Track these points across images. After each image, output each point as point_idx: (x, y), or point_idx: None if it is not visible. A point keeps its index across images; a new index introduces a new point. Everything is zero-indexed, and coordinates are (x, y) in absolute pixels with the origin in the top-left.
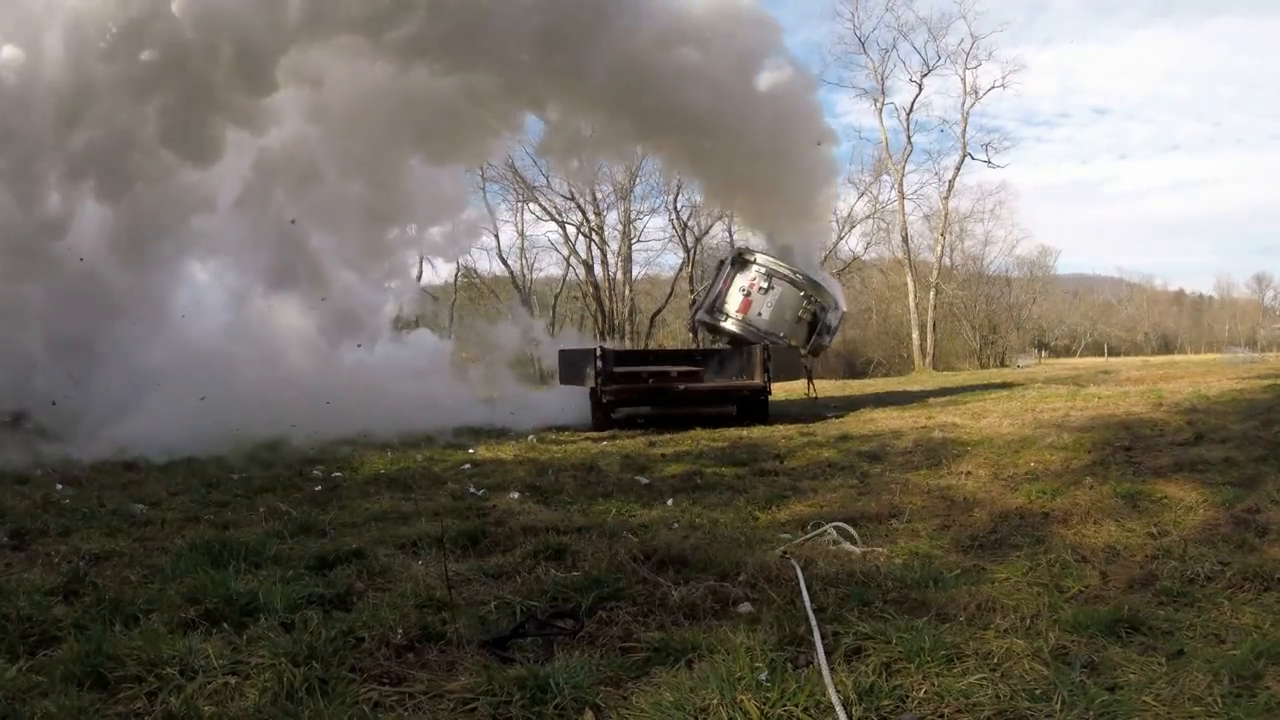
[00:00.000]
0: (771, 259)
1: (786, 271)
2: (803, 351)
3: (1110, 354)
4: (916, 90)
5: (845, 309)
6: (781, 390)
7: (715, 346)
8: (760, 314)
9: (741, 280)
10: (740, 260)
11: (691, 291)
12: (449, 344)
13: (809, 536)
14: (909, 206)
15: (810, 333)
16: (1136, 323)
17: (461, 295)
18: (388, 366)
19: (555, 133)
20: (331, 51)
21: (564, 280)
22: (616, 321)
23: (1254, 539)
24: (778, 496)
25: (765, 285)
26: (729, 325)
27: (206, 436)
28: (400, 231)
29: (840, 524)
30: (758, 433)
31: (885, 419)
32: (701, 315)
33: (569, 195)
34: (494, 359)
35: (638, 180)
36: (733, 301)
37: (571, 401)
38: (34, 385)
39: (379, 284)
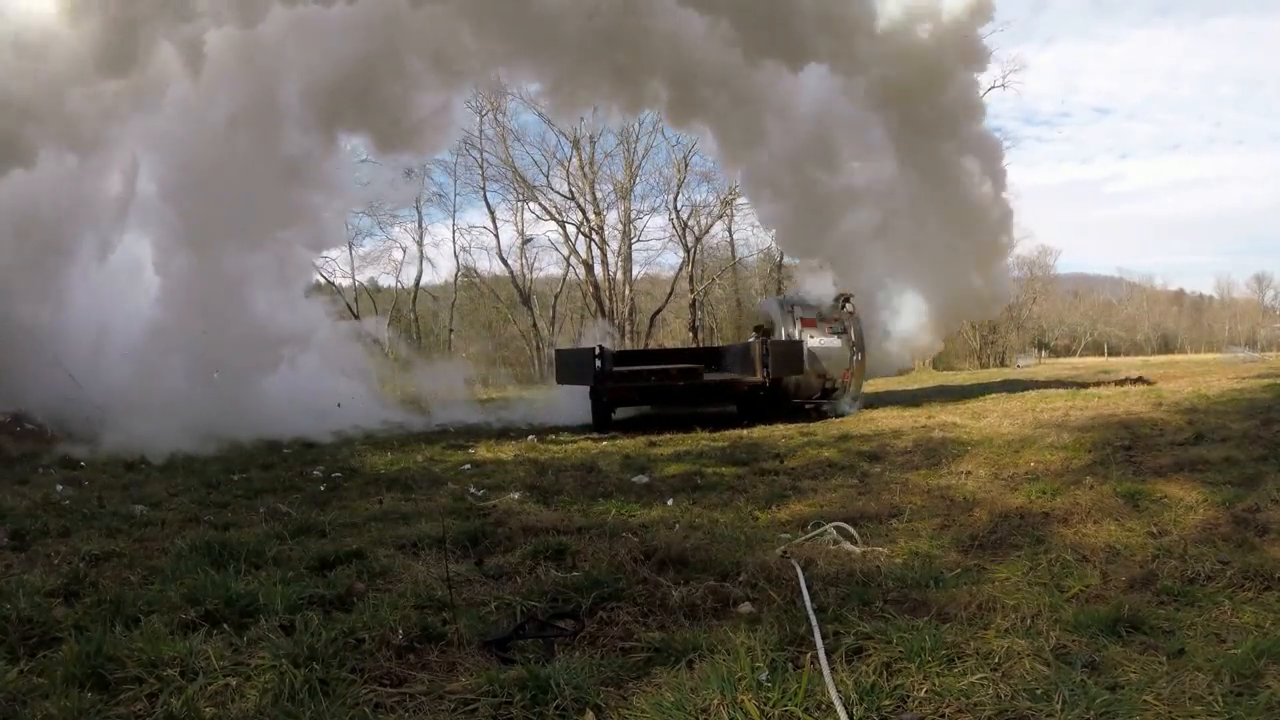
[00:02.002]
0: (860, 326)
1: (857, 343)
2: (794, 399)
3: (1110, 354)
4: None
5: (847, 414)
6: None
7: (714, 345)
8: (808, 339)
9: (827, 310)
10: (842, 299)
11: (691, 291)
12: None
13: (809, 536)
14: None
15: (815, 393)
16: (1136, 322)
17: (461, 295)
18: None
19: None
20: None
21: (564, 280)
22: (616, 321)
23: (1254, 538)
24: (778, 496)
25: (837, 330)
26: (778, 321)
27: (192, 435)
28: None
29: (840, 524)
30: (758, 432)
31: (885, 419)
32: (772, 301)
33: (569, 195)
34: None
35: (637, 179)
36: (804, 312)
37: (572, 401)
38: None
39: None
